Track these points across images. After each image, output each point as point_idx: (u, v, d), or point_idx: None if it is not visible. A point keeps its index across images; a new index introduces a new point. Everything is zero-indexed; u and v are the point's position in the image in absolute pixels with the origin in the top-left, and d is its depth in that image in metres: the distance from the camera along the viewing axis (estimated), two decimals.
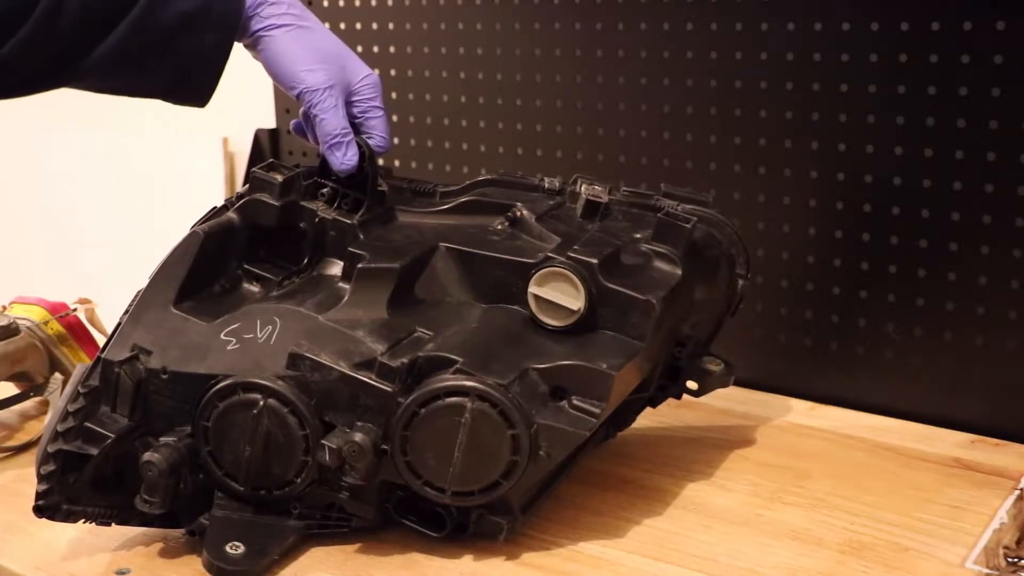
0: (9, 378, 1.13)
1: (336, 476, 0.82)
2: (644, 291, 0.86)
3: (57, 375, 1.14)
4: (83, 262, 1.90)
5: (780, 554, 0.85)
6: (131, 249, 1.80)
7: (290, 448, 0.82)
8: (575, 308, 0.86)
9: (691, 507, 0.93)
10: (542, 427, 0.80)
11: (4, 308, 1.16)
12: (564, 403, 0.83)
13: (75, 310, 1.18)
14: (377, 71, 1.41)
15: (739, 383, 1.15)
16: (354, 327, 0.84)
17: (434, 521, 0.85)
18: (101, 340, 1.19)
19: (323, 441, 0.80)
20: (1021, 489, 0.93)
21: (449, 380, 0.80)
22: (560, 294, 0.86)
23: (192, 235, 0.87)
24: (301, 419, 0.81)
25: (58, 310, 1.16)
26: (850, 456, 1.02)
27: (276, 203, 0.89)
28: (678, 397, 1.00)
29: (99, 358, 0.84)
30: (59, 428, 0.81)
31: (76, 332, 1.17)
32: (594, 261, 0.86)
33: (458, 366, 0.80)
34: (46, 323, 1.14)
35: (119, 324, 0.86)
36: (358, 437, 0.79)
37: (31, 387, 1.14)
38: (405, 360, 0.81)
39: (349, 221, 0.90)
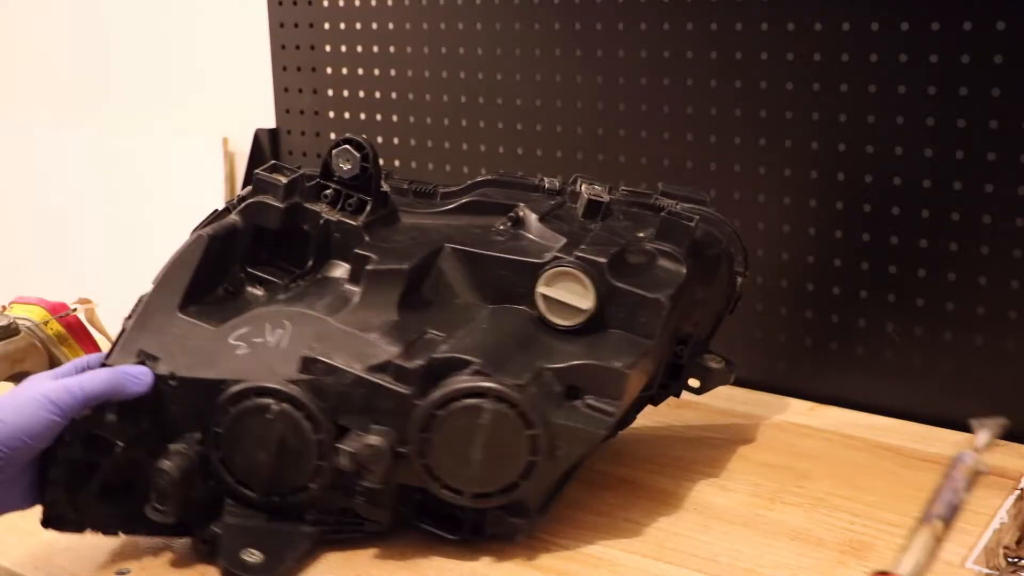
0: (9, 378, 1.13)
1: (350, 480, 0.81)
2: (653, 290, 0.86)
3: None
4: (83, 262, 1.90)
5: (780, 554, 0.85)
6: (131, 249, 1.80)
7: (304, 453, 0.81)
8: (585, 307, 0.86)
9: (691, 507, 0.93)
10: (559, 427, 0.80)
11: (4, 308, 1.16)
12: (579, 403, 0.83)
13: (75, 310, 1.18)
14: (377, 71, 1.41)
15: (739, 383, 1.15)
16: (366, 329, 0.83)
17: (450, 524, 0.85)
18: (101, 340, 1.19)
19: (339, 445, 0.79)
20: (1021, 489, 0.93)
21: (467, 381, 0.79)
22: (569, 294, 0.86)
23: (197, 238, 0.86)
24: (315, 423, 0.80)
25: (58, 310, 1.16)
26: (850, 456, 1.02)
27: (280, 205, 0.88)
28: (677, 395, 1.00)
29: (103, 365, 0.82)
30: (66, 437, 0.79)
31: (76, 332, 1.16)
32: (603, 260, 0.86)
33: (475, 367, 0.80)
34: (46, 323, 1.14)
35: (123, 330, 0.85)
36: (375, 440, 0.79)
37: None
38: (421, 362, 0.80)
39: (354, 223, 0.90)
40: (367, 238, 0.89)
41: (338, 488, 0.82)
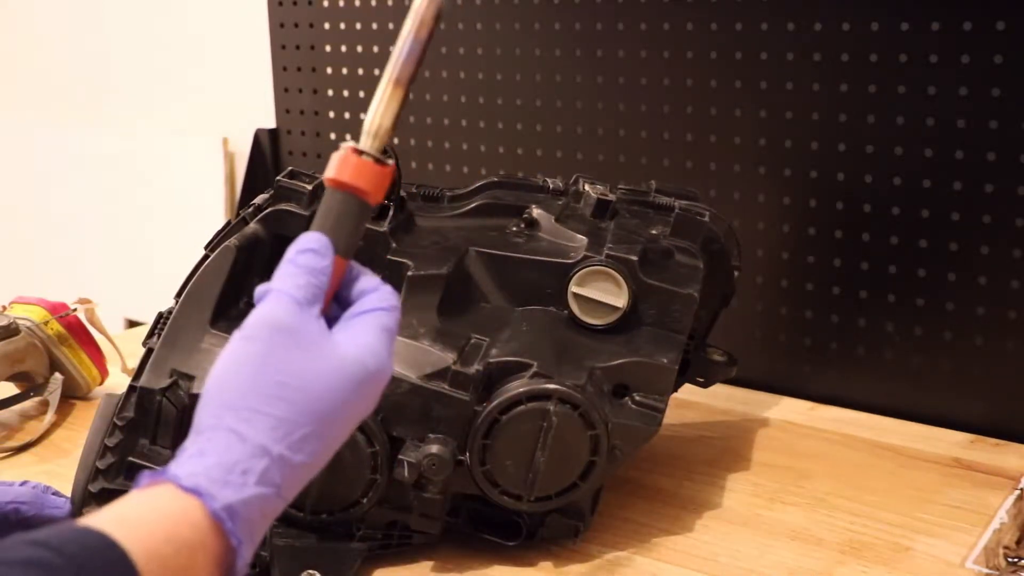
0: (9, 378, 1.13)
1: (401, 493, 0.80)
2: (683, 285, 0.87)
3: (57, 375, 1.14)
4: (83, 262, 1.90)
5: (780, 554, 0.85)
6: (131, 249, 1.81)
7: (357, 467, 0.79)
8: (619, 306, 0.86)
9: (691, 507, 0.93)
10: (616, 426, 0.80)
11: (4, 308, 1.16)
12: (627, 400, 0.83)
13: (75, 310, 1.17)
14: (377, 71, 1.41)
15: (739, 383, 1.15)
16: (415, 336, 0.82)
17: (505, 530, 0.84)
18: (101, 340, 1.19)
19: (400, 456, 0.78)
20: (1021, 489, 0.93)
21: (530, 384, 0.79)
22: (603, 293, 0.86)
23: (224, 250, 0.83)
24: (369, 435, 0.78)
25: (58, 310, 1.16)
26: (850, 456, 1.02)
27: (305, 213, 0.86)
28: (675, 390, 1.00)
29: (133, 387, 0.80)
30: (99, 465, 0.77)
31: (76, 332, 1.16)
32: (634, 258, 0.86)
33: (535, 369, 0.80)
34: (46, 323, 1.14)
35: (149, 350, 0.82)
36: (436, 449, 0.77)
37: (31, 387, 1.14)
38: (479, 367, 0.79)
39: (380, 229, 0.87)
40: (394, 244, 0.87)
41: (387, 502, 0.81)
